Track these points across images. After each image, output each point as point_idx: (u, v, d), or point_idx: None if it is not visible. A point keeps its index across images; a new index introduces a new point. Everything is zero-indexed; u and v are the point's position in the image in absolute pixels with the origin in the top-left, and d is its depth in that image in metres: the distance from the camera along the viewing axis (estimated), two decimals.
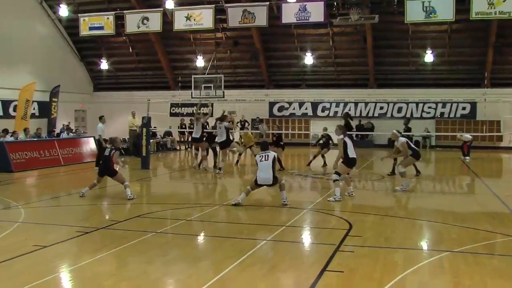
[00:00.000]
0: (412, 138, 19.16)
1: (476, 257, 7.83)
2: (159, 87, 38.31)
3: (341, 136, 13.28)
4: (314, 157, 21.35)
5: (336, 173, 13.10)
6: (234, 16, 27.89)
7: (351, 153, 13.23)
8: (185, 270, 7.19)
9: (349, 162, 13.27)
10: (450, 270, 7.18)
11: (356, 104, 34.84)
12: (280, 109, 36.15)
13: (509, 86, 31.33)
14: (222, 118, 19.10)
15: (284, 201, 11.89)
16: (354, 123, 31.57)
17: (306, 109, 35.98)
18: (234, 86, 35.86)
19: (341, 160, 13.24)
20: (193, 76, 33.32)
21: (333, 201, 12.64)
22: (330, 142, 20.91)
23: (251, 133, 24.22)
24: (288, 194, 12.46)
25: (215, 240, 9.08)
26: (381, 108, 34.70)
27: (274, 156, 12.03)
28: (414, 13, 25.66)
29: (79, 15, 31.15)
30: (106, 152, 13.42)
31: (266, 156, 11.92)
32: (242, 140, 23.67)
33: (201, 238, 9.41)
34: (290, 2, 27.44)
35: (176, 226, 9.96)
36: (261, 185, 12.15)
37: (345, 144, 13.10)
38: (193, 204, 12.96)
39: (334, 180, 12.98)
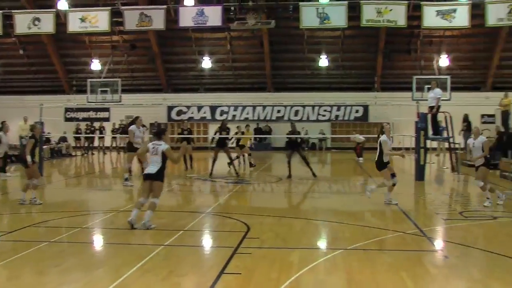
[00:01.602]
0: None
1: (368, 253, 8.18)
2: (53, 91, 36.93)
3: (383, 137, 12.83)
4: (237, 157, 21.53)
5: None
6: (131, 19, 27.39)
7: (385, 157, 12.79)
8: (81, 278, 6.97)
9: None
10: (343, 267, 7.44)
11: (254, 107, 35.41)
12: (179, 113, 36.01)
13: (397, 90, 32.96)
14: (133, 122, 18.30)
15: (148, 224, 9.79)
16: (253, 127, 32.06)
17: (204, 113, 36.12)
18: (132, 90, 35.32)
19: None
20: (88, 80, 32.30)
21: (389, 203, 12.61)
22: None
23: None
24: (188, 198, 12.39)
25: (113, 247, 8.88)
26: (279, 111, 35.48)
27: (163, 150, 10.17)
28: (308, 19, 26.36)
29: None
30: (24, 141, 12.45)
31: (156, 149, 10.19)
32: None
33: (97, 246, 9.17)
34: (187, 6, 27.39)
35: (71, 234, 9.62)
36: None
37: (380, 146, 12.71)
38: (90, 211, 12.61)
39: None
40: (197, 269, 7.46)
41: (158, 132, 10.61)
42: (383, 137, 12.69)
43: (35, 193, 12.67)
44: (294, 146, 18.82)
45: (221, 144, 19.46)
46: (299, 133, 19.28)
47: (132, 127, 16.72)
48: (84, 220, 11.03)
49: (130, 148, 16.60)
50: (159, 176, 10.04)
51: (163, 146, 10.07)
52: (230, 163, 20.30)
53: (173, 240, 9.02)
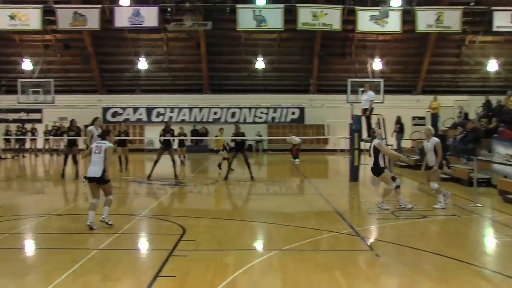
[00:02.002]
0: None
1: (303, 253, 8.29)
2: None
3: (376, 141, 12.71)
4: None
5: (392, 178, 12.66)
6: (65, 18, 26.79)
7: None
8: (11, 285, 6.75)
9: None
10: (278, 267, 7.51)
11: (190, 109, 35.28)
12: (114, 114, 35.37)
13: (332, 93, 33.54)
14: (92, 123, 17.87)
15: (103, 218, 10.11)
16: (188, 129, 31.92)
17: (140, 114, 35.66)
18: (65, 91, 34.50)
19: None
20: (19, 80, 31.26)
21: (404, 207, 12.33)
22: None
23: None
24: (123, 201, 12.21)
25: (44, 251, 8.63)
26: (215, 113, 35.46)
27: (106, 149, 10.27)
28: (245, 21, 26.55)
29: None
30: None
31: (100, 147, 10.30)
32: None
33: (29, 251, 8.88)
34: (123, 6, 26.99)
35: (0, 240, 9.28)
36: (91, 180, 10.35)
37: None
38: (21, 215, 12.20)
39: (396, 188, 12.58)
40: (131, 272, 7.35)
41: (103, 132, 10.78)
42: (376, 141, 12.66)
43: None
44: (240, 148, 18.93)
45: (166, 146, 19.29)
46: (243, 134, 19.35)
47: (91, 128, 16.41)
48: (14, 225, 10.67)
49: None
50: (103, 179, 10.10)
51: (107, 144, 10.22)
52: (219, 166, 20.64)
53: (108, 244, 8.85)
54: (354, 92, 28.72)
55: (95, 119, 17.07)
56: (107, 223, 10.03)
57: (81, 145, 20.58)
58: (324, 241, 9.26)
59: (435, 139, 12.86)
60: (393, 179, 12.55)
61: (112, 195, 10.45)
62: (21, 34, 32.76)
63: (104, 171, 10.07)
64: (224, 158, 21.07)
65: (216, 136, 22.60)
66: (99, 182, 10.13)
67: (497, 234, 9.98)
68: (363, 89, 22.77)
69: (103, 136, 10.56)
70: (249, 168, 18.84)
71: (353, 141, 18.39)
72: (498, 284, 6.83)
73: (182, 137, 23.81)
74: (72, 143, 18.90)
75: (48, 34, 32.74)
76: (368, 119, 20.05)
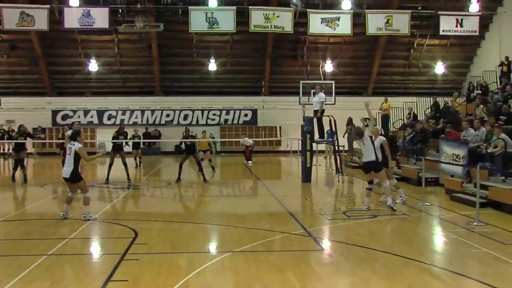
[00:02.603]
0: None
1: (255, 254, 8.33)
2: None
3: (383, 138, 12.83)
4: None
5: (368, 182, 12.65)
6: (11, 18, 26.04)
7: (365, 157, 12.52)
8: None
9: (364, 168, 12.80)
10: (231, 269, 7.53)
11: (142, 111, 34.93)
12: (64, 117, 34.64)
13: (284, 95, 33.74)
14: (70, 127, 17.57)
15: (89, 216, 11.25)
16: (141, 131, 31.59)
17: (91, 117, 35.07)
18: (12, 93, 33.68)
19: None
20: None
21: (393, 205, 12.35)
22: None
23: None
24: (73, 205, 11.98)
25: None
26: (168, 115, 35.20)
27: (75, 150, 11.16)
28: (198, 23, 26.43)
29: None
30: None
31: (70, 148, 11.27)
32: None
33: None
34: (72, 7, 26.48)
35: None
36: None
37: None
38: None
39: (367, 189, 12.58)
40: (81, 278, 7.24)
41: (73, 134, 11.70)
42: (382, 138, 13.08)
43: None
44: (191, 150, 18.90)
45: (117, 149, 19.03)
46: (193, 137, 19.37)
47: (69, 133, 16.22)
48: None
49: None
50: (74, 179, 11.21)
51: (76, 145, 11.16)
52: (200, 169, 19.45)
53: (57, 249, 8.70)
54: (306, 94, 28.97)
55: (72, 124, 18.32)
56: (89, 219, 11.12)
57: (29, 149, 20.20)
58: (276, 242, 9.33)
59: (382, 138, 13.23)
60: None
61: (88, 192, 11.53)
62: None
63: (73, 171, 11.10)
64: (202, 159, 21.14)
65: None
66: (71, 182, 11.27)
67: (445, 232, 10.25)
68: (314, 90, 22.97)
69: (74, 137, 11.48)
70: (201, 170, 18.85)
71: (305, 143, 18.55)
72: (445, 281, 7.02)
73: (136, 140, 23.66)
74: (20, 148, 18.70)
75: None
76: (320, 120, 20.29)
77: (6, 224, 11.21)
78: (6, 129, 30.39)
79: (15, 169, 18.64)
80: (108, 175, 18.49)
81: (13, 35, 31.78)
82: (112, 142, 19.21)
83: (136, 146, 24.78)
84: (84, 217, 11.13)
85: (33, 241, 9.44)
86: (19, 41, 32.84)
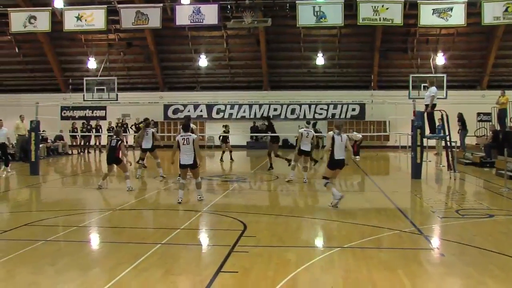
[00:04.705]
0: None
1: (364, 251, 8.19)
2: (49, 89, 36.86)
3: (331, 132, 12.37)
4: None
5: (324, 177, 12.55)
6: (127, 17, 27.26)
7: (338, 154, 12.18)
8: (76, 278, 6.95)
9: (332, 164, 12.31)
10: (339, 265, 7.45)
11: (250, 106, 35.39)
12: (175, 111, 35.96)
13: (393, 89, 33.00)
14: (148, 124, 18.53)
15: (199, 197, 12.87)
16: (248, 125, 32.11)
17: (201, 111, 36.06)
18: (128, 88, 35.35)
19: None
20: (85, 79, 32.41)
21: (331, 206, 12.17)
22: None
23: None
24: (184, 197, 12.45)
25: (109, 245, 8.85)
26: (275, 109, 35.42)
27: (194, 139, 12.45)
28: (305, 17, 26.33)
29: None
30: (112, 143, 15.25)
31: (187, 139, 12.39)
32: None
33: (94, 244, 9.14)
34: (184, 4, 27.31)
35: (67, 233, 9.62)
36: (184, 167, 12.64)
37: (332, 141, 12.11)
38: (86, 210, 12.59)
39: (325, 185, 12.48)
40: (193, 268, 7.45)
41: (186, 126, 12.93)
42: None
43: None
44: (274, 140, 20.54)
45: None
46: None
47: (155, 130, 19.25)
48: (81, 219, 11.02)
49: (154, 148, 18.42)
50: (194, 165, 12.49)
51: (193, 136, 12.61)
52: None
53: (170, 239, 9.01)
54: (416, 88, 28.16)
55: (146, 119, 19.45)
56: (202, 199, 12.74)
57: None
58: (386, 239, 9.13)
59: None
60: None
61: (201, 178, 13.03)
62: (87, 34, 33.75)
63: (194, 158, 12.38)
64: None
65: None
66: (191, 168, 12.51)
67: None
68: (425, 84, 22.24)
69: (188, 129, 12.72)
70: (282, 157, 19.93)
71: (415, 138, 18.02)
72: None
73: (225, 134, 25.79)
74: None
75: (112, 34, 33.65)
76: (431, 115, 19.57)
77: (123, 213, 11.78)
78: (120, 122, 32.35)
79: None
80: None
81: (129, 33, 33.36)
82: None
83: (224, 139, 25.74)
84: (198, 198, 12.80)
85: (147, 230, 9.85)
86: (134, 39, 34.47)
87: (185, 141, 12.32)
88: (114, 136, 15.61)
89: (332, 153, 12.10)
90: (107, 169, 15.78)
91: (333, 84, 35.59)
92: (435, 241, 9.12)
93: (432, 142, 26.41)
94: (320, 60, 34.20)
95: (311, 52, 34.40)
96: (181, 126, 13.67)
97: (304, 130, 16.93)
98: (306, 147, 16.66)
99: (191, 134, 12.54)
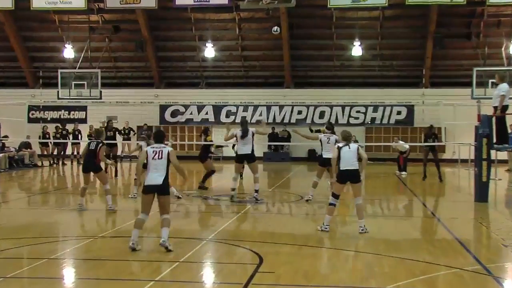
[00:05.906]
0: None
1: None
2: (13, 84, 37.36)
3: (338, 144, 12.95)
4: None
5: (333, 194, 12.71)
6: None
7: (345, 163, 12.47)
8: None
9: (340, 176, 12.63)
10: None
11: (268, 107, 35.29)
12: (174, 114, 35.88)
13: (451, 86, 32.82)
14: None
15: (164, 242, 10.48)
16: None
17: (206, 113, 36.05)
18: (115, 84, 35.60)
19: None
20: (59, 71, 32.35)
21: (320, 230, 12.53)
22: None
23: None
24: (184, 221, 12.37)
25: (88, 283, 8.83)
26: (300, 112, 35.35)
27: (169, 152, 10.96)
28: None
29: None
30: (92, 146, 15.14)
31: (160, 152, 10.93)
32: None
33: (68, 282, 9.09)
34: None
35: (35, 267, 9.57)
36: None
37: (339, 150, 12.60)
38: (59, 237, 12.58)
39: (329, 204, 12.66)
40: None
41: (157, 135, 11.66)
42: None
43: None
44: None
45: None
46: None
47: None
48: (51, 249, 11.00)
49: None
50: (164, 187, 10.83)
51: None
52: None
53: (166, 274, 9.00)
54: (482, 84, 28.00)
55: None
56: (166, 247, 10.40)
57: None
58: (442, 279, 9.02)
59: None
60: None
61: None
62: (62, 14, 33.95)
63: (165, 179, 10.79)
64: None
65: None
66: (160, 193, 10.81)
67: None
68: (494, 80, 22.06)
69: (162, 139, 11.27)
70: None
71: (480, 149, 17.81)
72: None
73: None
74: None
75: (94, 15, 33.81)
76: (501, 120, 19.32)
77: (106, 240, 11.72)
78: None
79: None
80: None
81: (116, 14, 33.57)
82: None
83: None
84: (162, 241, 10.41)
85: (137, 263, 9.78)
86: (123, 22, 34.64)
87: (157, 155, 10.90)
88: (94, 138, 15.71)
89: (339, 163, 12.39)
90: (84, 179, 15.77)
91: (373, 80, 35.52)
92: (508, 284, 9.01)
93: (503, 155, 26.21)
94: (357, 50, 34.07)
95: (345, 40, 34.36)
96: (152, 134, 13.59)
97: (324, 135, 16.92)
98: (328, 154, 16.46)
99: (165, 145, 11.10)
